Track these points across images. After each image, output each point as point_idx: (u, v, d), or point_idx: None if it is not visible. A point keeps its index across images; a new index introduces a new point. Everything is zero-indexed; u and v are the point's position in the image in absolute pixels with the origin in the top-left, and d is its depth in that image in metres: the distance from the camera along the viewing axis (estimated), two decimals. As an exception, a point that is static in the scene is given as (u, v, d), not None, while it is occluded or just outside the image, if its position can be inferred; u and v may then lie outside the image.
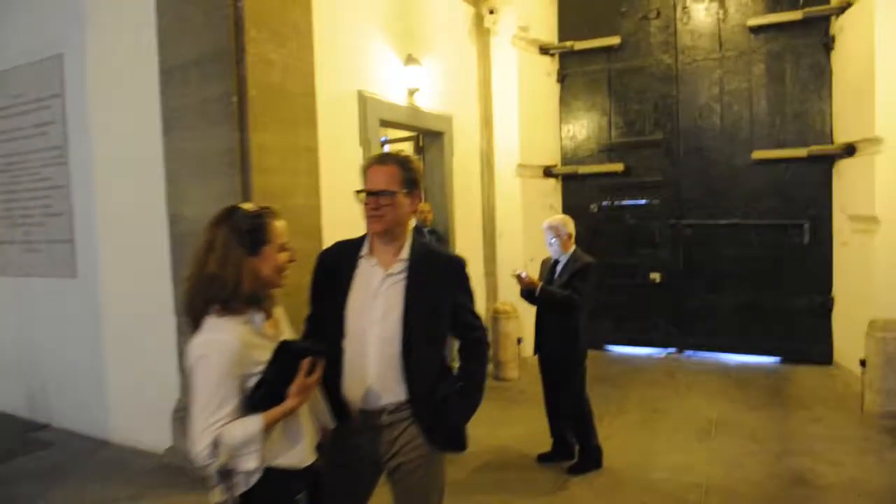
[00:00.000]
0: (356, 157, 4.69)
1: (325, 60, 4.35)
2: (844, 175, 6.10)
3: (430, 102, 5.76)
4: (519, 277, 3.77)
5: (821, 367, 6.30)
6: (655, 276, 7.03)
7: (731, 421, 4.85)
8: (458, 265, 2.19)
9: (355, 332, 2.01)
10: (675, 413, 5.09)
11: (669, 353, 6.99)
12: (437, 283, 2.07)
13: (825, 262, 6.39)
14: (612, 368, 6.54)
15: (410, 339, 1.99)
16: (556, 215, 3.93)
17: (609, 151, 7.25)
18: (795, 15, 6.29)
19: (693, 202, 6.87)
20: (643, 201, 7.10)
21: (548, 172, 7.36)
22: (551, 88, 7.41)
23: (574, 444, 3.98)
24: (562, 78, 7.41)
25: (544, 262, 4.00)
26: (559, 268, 3.83)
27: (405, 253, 2.08)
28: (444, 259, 2.19)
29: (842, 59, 6.10)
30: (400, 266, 2.06)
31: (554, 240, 3.81)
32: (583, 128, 7.37)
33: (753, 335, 6.67)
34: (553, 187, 7.43)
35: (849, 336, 6.08)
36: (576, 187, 7.42)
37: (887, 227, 5.43)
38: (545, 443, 4.20)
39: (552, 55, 7.36)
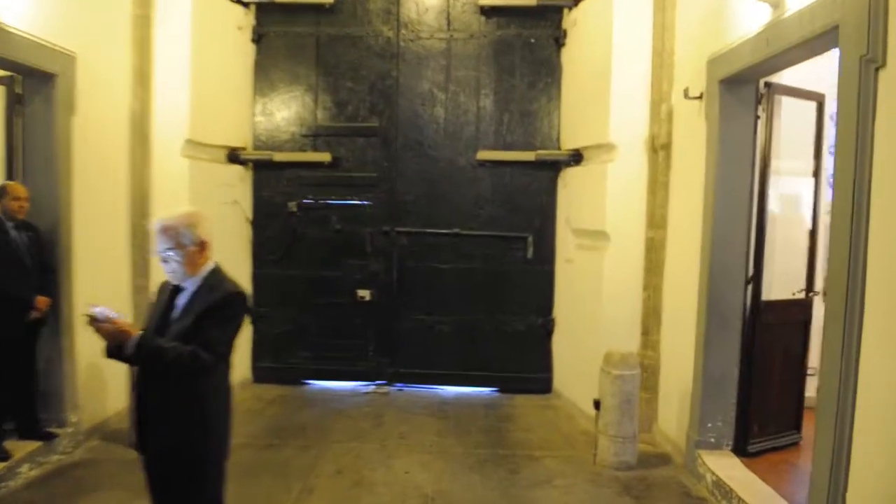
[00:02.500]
0: None
1: None
2: (571, 185, 5.48)
3: (30, 22, 3.65)
4: (94, 320, 2.03)
5: (541, 396, 5.62)
6: (365, 294, 5.74)
7: (450, 493, 3.68)
8: None
9: None
10: (381, 488, 3.75)
11: (379, 387, 5.74)
12: None
13: (548, 280, 5.74)
14: (306, 414, 5.04)
15: None
16: (177, 210, 2.23)
17: (315, 137, 5.77)
18: (529, 0, 5.52)
19: (411, 206, 5.73)
20: (353, 201, 5.76)
21: (234, 156, 5.62)
22: (244, 49, 5.69)
23: None
24: (258, 37, 5.73)
25: (160, 290, 2.29)
26: (182, 300, 2.16)
27: None
28: None
29: (572, 57, 5.47)
30: None
31: (172, 252, 2.14)
32: (283, 104, 5.78)
33: (472, 363, 5.75)
34: (240, 176, 5.70)
35: (569, 363, 5.47)
36: (271, 179, 5.79)
37: (617, 245, 4.84)
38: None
39: (246, 5, 5.65)
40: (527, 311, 5.73)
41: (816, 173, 4.21)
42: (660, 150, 4.66)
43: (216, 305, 2.08)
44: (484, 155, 5.61)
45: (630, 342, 4.85)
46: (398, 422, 4.90)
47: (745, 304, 3.94)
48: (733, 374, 3.95)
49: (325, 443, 4.42)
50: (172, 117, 4.95)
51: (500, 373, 5.73)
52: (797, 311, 4.18)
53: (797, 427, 4.26)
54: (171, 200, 4.92)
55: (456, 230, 5.68)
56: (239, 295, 2.17)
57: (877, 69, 2.49)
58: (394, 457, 4.21)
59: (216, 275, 2.19)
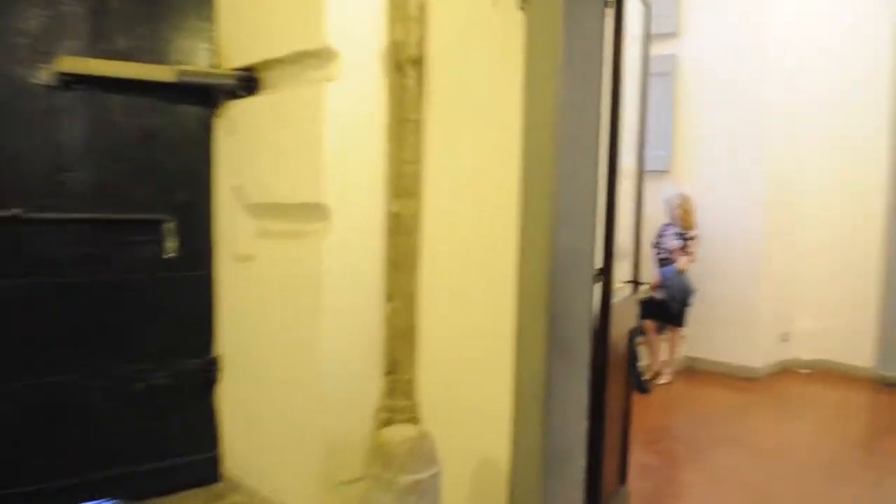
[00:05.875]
0: None
1: None
2: (245, 128, 3.21)
3: None
4: None
5: (206, 491, 3.29)
6: None
7: None
8: None
9: None
10: None
11: None
12: None
13: (204, 293, 3.38)
14: None
15: None
16: None
17: None
18: None
19: None
20: None
21: None
22: None
23: None
24: None
25: None
26: None
27: None
28: None
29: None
30: None
31: None
32: None
33: (68, 461, 3.05)
34: None
35: (253, 427, 3.25)
36: None
37: (343, 227, 2.83)
38: None
39: None
40: (169, 352, 3.28)
41: (642, 110, 2.91)
42: (408, 67, 2.82)
43: None
44: (72, 65, 2.93)
45: (364, 387, 2.94)
46: None
47: (592, 313, 2.39)
48: (581, 436, 2.38)
49: None
50: None
51: (124, 467, 3.16)
52: (630, 314, 2.85)
53: (623, 479, 2.97)
54: None
55: (14, 212, 2.88)
56: None
57: None
58: None
59: None
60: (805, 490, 3.72)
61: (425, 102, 2.82)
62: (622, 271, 2.81)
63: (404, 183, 2.87)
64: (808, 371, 6.40)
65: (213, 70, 3.21)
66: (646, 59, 2.85)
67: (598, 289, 2.37)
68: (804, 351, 6.46)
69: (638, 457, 3.68)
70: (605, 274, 2.38)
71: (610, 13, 2.32)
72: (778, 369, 6.38)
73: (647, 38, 2.82)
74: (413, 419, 2.89)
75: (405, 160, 2.86)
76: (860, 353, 6.11)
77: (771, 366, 6.33)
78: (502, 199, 2.39)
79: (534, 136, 2.23)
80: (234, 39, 3.21)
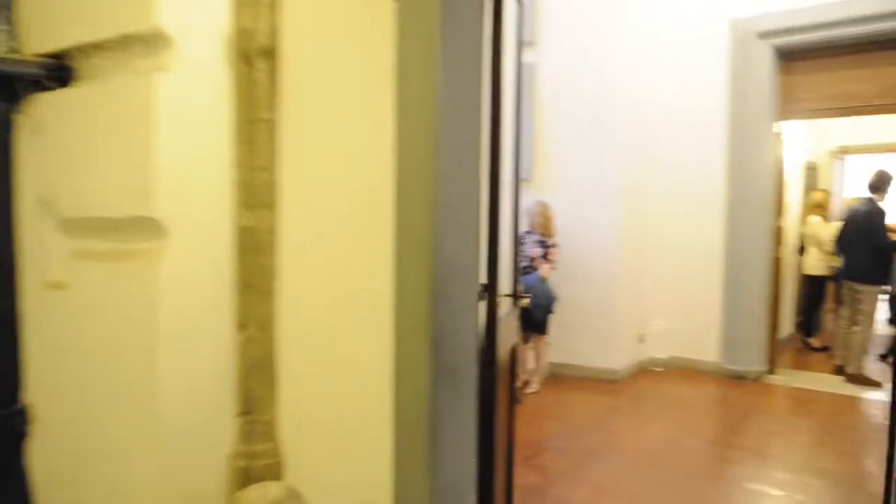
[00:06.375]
0: None
1: None
2: (57, 128, 2.66)
3: None
4: None
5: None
6: None
7: None
8: None
9: None
10: None
11: None
12: None
13: (7, 330, 2.76)
14: None
15: None
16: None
17: None
18: None
19: None
20: None
21: None
22: None
23: None
24: None
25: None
26: None
27: None
28: None
29: None
30: None
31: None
32: None
33: None
34: None
35: (71, 485, 2.69)
36: None
37: (183, 245, 2.39)
38: None
39: None
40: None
41: (518, 115, 2.73)
42: (258, 59, 2.45)
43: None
44: None
45: (214, 433, 2.51)
46: None
47: (478, 334, 2.16)
48: (471, 468, 2.13)
49: None
50: None
51: None
52: (513, 330, 2.65)
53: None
54: None
55: None
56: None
57: None
58: None
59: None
60: (682, 493, 3.76)
61: (280, 100, 2.47)
62: (502, 284, 2.62)
63: (256, 192, 2.49)
64: (662, 369, 6.70)
65: (11, 55, 2.62)
66: (519, 62, 2.69)
67: (483, 306, 2.15)
68: (658, 350, 6.76)
69: (519, 475, 3.53)
70: (490, 290, 2.17)
71: (488, 5, 2.11)
72: (636, 369, 6.61)
73: (521, 39, 2.66)
74: (275, 465, 2.51)
75: (257, 166, 2.48)
76: (707, 350, 6.49)
77: (630, 367, 6.55)
78: (374, 209, 2.10)
79: (410, 137, 1.96)
80: (40, 19, 2.65)
